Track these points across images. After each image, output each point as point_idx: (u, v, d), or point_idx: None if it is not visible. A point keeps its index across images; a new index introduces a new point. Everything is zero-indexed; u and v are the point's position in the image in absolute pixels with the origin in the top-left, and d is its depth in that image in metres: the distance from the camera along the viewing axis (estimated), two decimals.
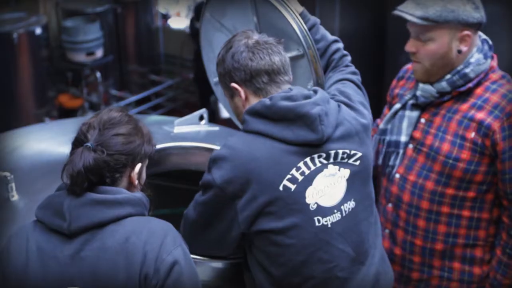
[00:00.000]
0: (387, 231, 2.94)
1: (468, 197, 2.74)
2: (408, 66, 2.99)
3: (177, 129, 3.42)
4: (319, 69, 2.61)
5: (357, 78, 2.64)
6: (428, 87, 2.75)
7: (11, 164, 3.03)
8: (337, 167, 2.35)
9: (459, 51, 2.67)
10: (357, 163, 2.39)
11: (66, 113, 6.77)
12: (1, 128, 5.80)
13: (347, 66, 2.70)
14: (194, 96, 7.68)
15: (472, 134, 2.66)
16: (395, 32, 4.83)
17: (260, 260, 2.36)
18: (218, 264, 2.61)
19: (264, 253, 2.34)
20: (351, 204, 2.39)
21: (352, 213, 2.39)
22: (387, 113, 3.00)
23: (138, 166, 2.17)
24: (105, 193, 2.06)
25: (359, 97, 2.53)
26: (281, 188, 2.26)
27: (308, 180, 2.30)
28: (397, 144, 2.87)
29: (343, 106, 2.41)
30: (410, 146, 2.84)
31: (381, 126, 2.95)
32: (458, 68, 2.69)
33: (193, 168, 3.21)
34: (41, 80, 6.49)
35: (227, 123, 3.67)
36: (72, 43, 6.75)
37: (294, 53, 2.56)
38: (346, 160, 2.37)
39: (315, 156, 2.31)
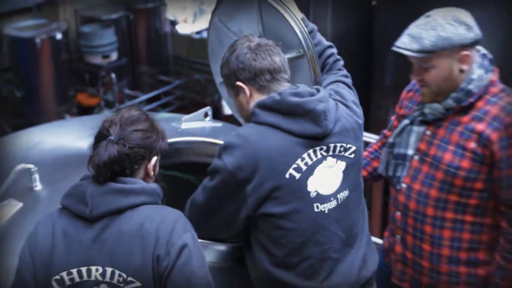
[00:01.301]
0: (398, 237, 2.88)
1: (470, 203, 2.67)
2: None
3: (184, 125, 3.43)
4: (317, 68, 2.63)
5: (349, 80, 2.66)
6: (436, 105, 2.68)
7: (35, 157, 3.03)
8: (335, 159, 2.37)
9: (461, 70, 2.60)
10: (352, 156, 2.42)
11: (84, 110, 6.77)
12: (26, 124, 5.82)
13: (339, 69, 2.72)
14: (200, 95, 7.68)
15: (472, 145, 2.59)
16: (381, 33, 4.83)
17: (262, 242, 2.37)
18: (221, 247, 2.62)
19: (267, 236, 2.35)
20: (345, 193, 2.41)
21: (346, 201, 2.41)
22: (396, 124, 2.94)
23: (154, 159, 2.20)
24: (124, 183, 2.09)
25: (352, 97, 2.55)
26: (287, 176, 2.28)
27: (310, 170, 2.32)
28: (404, 157, 2.80)
29: (340, 104, 2.44)
30: (416, 157, 2.76)
31: (390, 140, 2.87)
32: (462, 86, 2.61)
33: (198, 160, 3.22)
34: (61, 80, 6.49)
35: (230, 119, 3.67)
36: (89, 47, 6.74)
37: (295, 53, 2.57)
38: (342, 153, 2.39)
39: (317, 148, 2.33)
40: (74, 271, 2.07)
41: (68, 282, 2.07)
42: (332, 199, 2.37)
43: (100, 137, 2.16)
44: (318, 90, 2.39)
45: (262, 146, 2.26)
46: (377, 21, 4.84)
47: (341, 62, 2.75)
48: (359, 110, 2.52)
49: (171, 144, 3.15)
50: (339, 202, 2.39)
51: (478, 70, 2.63)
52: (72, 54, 6.83)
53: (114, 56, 6.87)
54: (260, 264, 2.41)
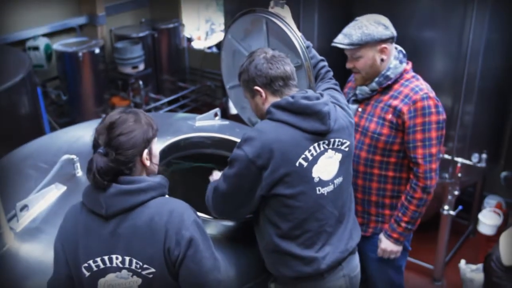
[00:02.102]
0: None
1: (390, 161, 2.90)
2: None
3: (198, 123, 3.42)
4: (312, 77, 2.67)
5: (338, 87, 2.71)
6: (364, 88, 2.92)
7: (77, 148, 3.01)
8: (334, 151, 2.39)
9: (382, 60, 2.83)
10: (346, 149, 2.44)
11: None
12: (70, 122, 5.81)
13: (330, 78, 2.78)
14: (210, 98, 7.66)
15: (389, 116, 2.84)
16: None
17: (270, 217, 2.37)
18: (229, 223, 2.59)
19: (276, 212, 2.34)
20: (340, 179, 2.44)
21: (340, 186, 2.44)
22: None
23: (145, 151, 2.07)
24: (129, 183, 2.00)
25: (344, 101, 2.60)
26: (297, 164, 2.28)
27: (315, 160, 2.33)
28: None
29: (337, 106, 2.47)
30: None
31: None
32: (382, 72, 2.85)
33: (209, 152, 3.20)
34: (99, 86, 6.48)
35: (235, 118, 3.65)
36: (122, 60, 6.72)
37: (294, 64, 2.57)
38: (339, 147, 2.41)
39: (321, 142, 2.35)
40: (98, 259, 2.03)
41: (94, 268, 2.03)
42: (330, 184, 2.39)
43: (94, 147, 2.05)
44: (321, 95, 2.40)
45: (277, 139, 2.26)
46: None
47: (331, 73, 2.80)
48: (350, 112, 2.56)
49: (187, 138, 3.14)
50: (335, 186, 2.41)
51: (394, 61, 2.87)
52: (107, 65, 6.80)
53: (141, 66, 6.85)
54: (267, 236, 2.41)
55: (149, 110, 6.85)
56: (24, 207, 2.56)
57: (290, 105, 2.30)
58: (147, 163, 2.08)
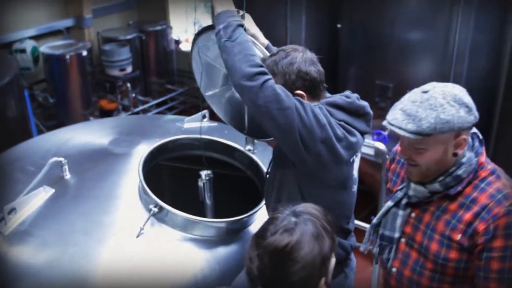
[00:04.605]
0: None
1: None
2: (397, 148, 2.28)
3: (187, 125, 3.42)
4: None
5: None
6: (420, 188, 2.07)
7: (65, 151, 3.01)
8: (359, 154, 2.40)
9: (455, 154, 1.99)
10: (359, 154, 2.43)
11: (105, 113, 6.72)
12: (58, 125, 5.78)
13: None
14: (199, 100, 7.62)
15: (458, 236, 1.97)
16: (345, 51, 4.82)
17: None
18: (221, 224, 2.60)
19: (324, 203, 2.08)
20: (357, 179, 2.43)
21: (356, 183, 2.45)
22: (390, 176, 2.36)
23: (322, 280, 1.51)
24: None
25: None
26: (351, 160, 2.29)
27: (356, 158, 2.35)
28: (390, 239, 2.18)
29: None
30: (403, 240, 2.16)
31: (375, 220, 2.25)
32: (451, 170, 2.00)
33: (197, 153, 3.20)
34: (86, 89, 6.45)
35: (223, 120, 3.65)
36: (109, 62, 6.70)
37: None
38: (359, 150, 2.39)
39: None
40: None
41: None
42: (356, 182, 2.40)
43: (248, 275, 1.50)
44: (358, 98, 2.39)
45: None
46: (341, 41, 4.82)
47: None
48: None
49: (175, 140, 3.14)
50: (356, 184, 2.42)
51: (468, 153, 2.03)
52: (95, 67, 6.78)
53: (129, 69, 6.83)
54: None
55: (137, 113, 6.84)
56: (12, 210, 2.55)
57: (349, 104, 2.24)
58: None
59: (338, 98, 2.26)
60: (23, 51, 6.09)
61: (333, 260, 1.54)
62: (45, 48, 6.25)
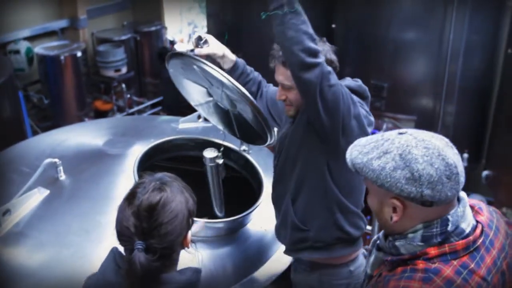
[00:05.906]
0: None
1: None
2: None
3: (181, 126, 3.42)
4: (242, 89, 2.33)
5: None
6: (379, 254, 1.72)
7: (60, 152, 3.01)
8: None
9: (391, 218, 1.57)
10: None
11: (100, 114, 6.72)
12: (52, 126, 5.77)
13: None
14: None
15: None
16: (339, 50, 4.83)
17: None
18: (219, 225, 2.61)
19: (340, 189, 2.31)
20: None
21: None
22: None
23: (189, 234, 1.66)
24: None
25: None
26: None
27: None
28: (365, 273, 1.80)
29: None
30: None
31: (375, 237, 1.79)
32: (395, 237, 1.61)
33: (192, 154, 3.20)
34: (81, 90, 6.44)
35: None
36: (104, 63, 6.70)
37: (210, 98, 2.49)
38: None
39: None
40: None
41: None
42: None
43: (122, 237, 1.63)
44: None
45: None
46: (335, 41, 4.83)
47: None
48: None
49: (171, 140, 3.14)
50: None
51: (420, 232, 1.54)
52: (90, 68, 6.77)
53: (124, 69, 6.83)
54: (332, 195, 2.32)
55: (132, 113, 6.84)
56: (7, 211, 2.55)
57: (358, 87, 2.36)
58: (189, 244, 1.69)
59: (349, 81, 2.37)
60: (17, 52, 6.08)
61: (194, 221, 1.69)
62: (39, 49, 6.24)
